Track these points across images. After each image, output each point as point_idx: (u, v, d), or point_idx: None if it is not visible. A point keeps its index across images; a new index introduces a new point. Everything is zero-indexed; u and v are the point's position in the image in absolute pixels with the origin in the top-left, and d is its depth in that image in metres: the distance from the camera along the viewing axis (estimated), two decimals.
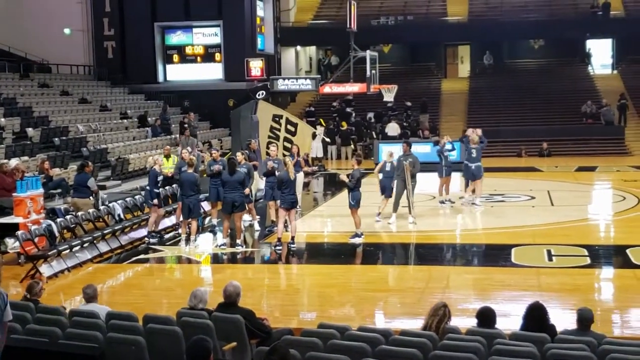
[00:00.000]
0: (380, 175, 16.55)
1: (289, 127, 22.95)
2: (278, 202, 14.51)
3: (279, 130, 22.92)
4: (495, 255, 13.96)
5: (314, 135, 25.05)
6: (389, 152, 16.86)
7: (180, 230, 15.34)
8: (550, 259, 12.82)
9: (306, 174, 20.41)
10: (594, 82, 36.80)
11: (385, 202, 16.54)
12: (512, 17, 37.50)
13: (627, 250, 13.16)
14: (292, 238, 14.11)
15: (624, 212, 17.58)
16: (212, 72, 33.20)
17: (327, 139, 30.48)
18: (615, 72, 38.27)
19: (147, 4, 32.58)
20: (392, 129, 31.48)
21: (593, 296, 11.08)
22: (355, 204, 14.64)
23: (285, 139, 22.77)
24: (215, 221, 16.17)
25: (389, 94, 23.40)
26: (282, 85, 20.90)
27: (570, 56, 39.32)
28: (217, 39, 33.23)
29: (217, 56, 33.26)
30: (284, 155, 16.47)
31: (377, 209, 16.58)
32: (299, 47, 40.31)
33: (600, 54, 39.92)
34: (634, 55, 38.03)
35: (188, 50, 33.54)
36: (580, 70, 38.67)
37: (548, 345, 6.62)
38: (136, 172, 21.97)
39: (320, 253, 14.80)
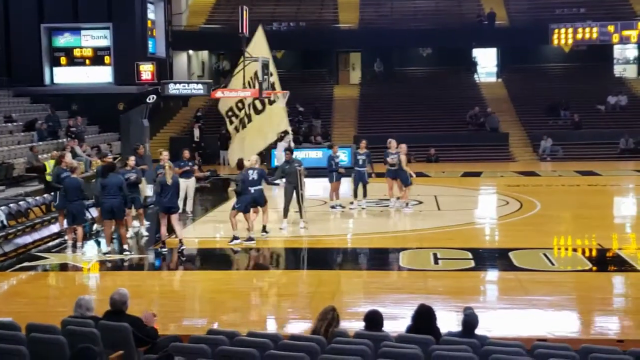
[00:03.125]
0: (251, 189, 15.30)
1: (256, 102, 21.56)
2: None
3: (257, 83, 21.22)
4: (383, 259, 14.21)
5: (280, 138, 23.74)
6: (254, 159, 16.02)
7: (66, 237, 14.86)
8: (436, 262, 13.13)
9: (198, 180, 20.16)
10: (480, 89, 38.07)
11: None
12: (402, 26, 38.36)
13: (510, 253, 13.63)
14: (180, 241, 13.94)
15: (507, 217, 18.24)
16: (101, 75, 32.41)
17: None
18: (499, 80, 39.72)
19: (33, 5, 31.54)
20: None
21: (478, 298, 11.40)
22: (239, 207, 14.57)
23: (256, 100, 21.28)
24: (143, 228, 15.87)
25: (282, 100, 23.48)
26: (173, 89, 20.57)
27: (458, 64, 40.52)
28: (107, 42, 32.47)
29: (107, 59, 32.50)
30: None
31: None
32: (191, 52, 39.88)
33: (486, 62, 41.37)
34: (517, 64, 39.62)
35: (76, 52, 32.64)
36: (467, 78, 39.92)
37: (433, 347, 6.77)
38: (21, 178, 21.13)
39: (211, 259, 14.64)
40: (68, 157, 15.91)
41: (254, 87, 21.41)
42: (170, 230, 14.52)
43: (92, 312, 7.56)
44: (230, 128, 22.47)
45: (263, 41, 22.22)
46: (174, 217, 14.16)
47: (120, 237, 14.36)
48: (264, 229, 15.61)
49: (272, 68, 21.38)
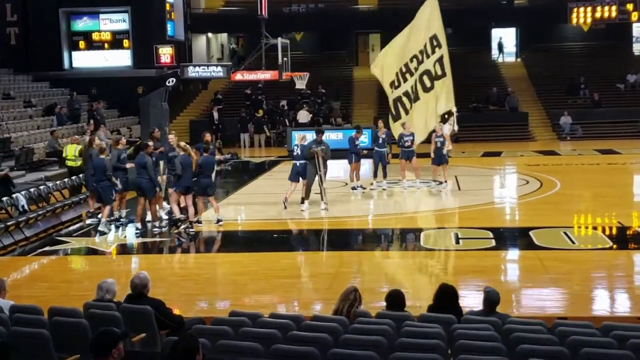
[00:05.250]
0: (297, 162, 16.45)
1: (436, 65, 21.45)
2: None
3: (425, 56, 21.46)
4: (404, 239, 14.25)
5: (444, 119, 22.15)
6: (302, 136, 17.08)
7: (99, 216, 15.03)
8: (457, 242, 13.15)
9: (218, 162, 20.24)
10: (500, 69, 37.80)
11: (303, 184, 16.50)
12: (421, 6, 37.97)
13: (530, 232, 13.61)
14: (191, 222, 14.53)
15: (528, 196, 18.17)
16: (120, 59, 32.52)
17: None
18: (519, 59, 39.41)
19: None
20: (302, 116, 31.63)
21: (498, 277, 11.41)
22: (198, 192, 14.74)
23: (424, 76, 21.25)
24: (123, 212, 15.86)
25: (301, 82, 23.48)
26: (192, 72, 20.70)
27: (478, 45, 40.22)
28: (125, 25, 32.55)
29: (125, 43, 32.59)
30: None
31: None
32: (210, 34, 39.88)
33: (506, 42, 41.03)
34: (536, 43, 39.27)
35: (95, 36, 32.74)
36: (487, 58, 39.63)
37: (455, 325, 6.80)
38: (41, 162, 21.32)
39: (232, 241, 14.72)
40: (97, 140, 16.14)
41: (422, 60, 21.27)
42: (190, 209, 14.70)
43: (112, 295, 7.63)
44: (392, 95, 22.18)
45: (436, 8, 21.80)
46: (189, 198, 14.46)
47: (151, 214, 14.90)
48: (302, 201, 16.29)
49: (442, 42, 21.23)
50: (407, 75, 21.79)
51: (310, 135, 17.84)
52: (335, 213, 16.21)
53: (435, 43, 21.47)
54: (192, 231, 14.49)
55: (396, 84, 22.01)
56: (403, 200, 18.16)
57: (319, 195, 16.42)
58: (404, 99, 21.91)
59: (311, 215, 16.06)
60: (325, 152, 16.21)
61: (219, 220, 14.89)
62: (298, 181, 16.45)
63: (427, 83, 21.37)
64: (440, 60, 21.36)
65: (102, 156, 14.60)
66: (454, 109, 21.57)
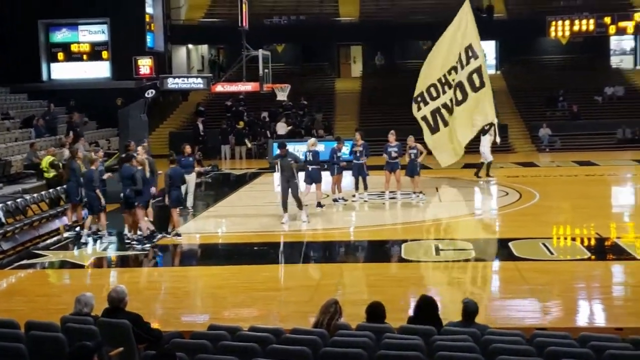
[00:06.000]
0: (309, 167, 17.11)
1: (474, 76, 20.81)
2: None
3: (459, 67, 20.87)
4: (385, 251, 14.26)
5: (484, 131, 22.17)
6: (312, 141, 17.80)
7: (91, 226, 15.05)
8: (437, 254, 13.18)
9: (199, 174, 20.19)
10: None
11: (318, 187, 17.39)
12: (402, 19, 38.30)
13: (510, 244, 13.67)
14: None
15: (507, 207, 18.26)
16: (99, 71, 32.42)
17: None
18: (498, 72, 39.69)
19: (29, 0, 31.44)
20: (281, 127, 31.62)
21: (478, 288, 11.44)
22: (172, 203, 14.78)
23: (457, 88, 20.64)
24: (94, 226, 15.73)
25: (282, 93, 23.49)
26: (172, 84, 20.63)
27: None
28: (104, 37, 32.48)
29: (105, 54, 32.51)
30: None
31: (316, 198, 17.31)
32: (190, 46, 39.85)
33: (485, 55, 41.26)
34: (515, 56, 39.60)
35: (74, 48, 32.65)
36: None
37: (434, 337, 6.81)
38: (19, 175, 21.12)
39: (211, 254, 14.66)
40: (66, 153, 16.03)
41: (457, 72, 20.78)
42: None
43: (90, 309, 7.57)
44: (425, 108, 21.80)
45: (471, 18, 21.36)
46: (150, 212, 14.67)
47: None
48: (318, 204, 17.16)
49: (479, 52, 20.79)
50: (446, 87, 21.40)
51: (292, 147, 17.90)
52: (317, 225, 16.19)
53: (470, 54, 20.92)
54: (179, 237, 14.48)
55: (434, 94, 21.58)
56: (384, 212, 18.18)
57: (299, 207, 16.29)
58: (443, 111, 21.48)
59: (291, 227, 16.01)
60: (297, 162, 16.19)
61: (173, 233, 14.87)
62: (311, 184, 17.25)
63: (459, 96, 20.93)
64: (477, 71, 20.79)
65: (92, 167, 14.59)
66: (495, 120, 21.34)
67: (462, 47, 21.06)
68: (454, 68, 21.13)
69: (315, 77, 39.95)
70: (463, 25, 21.49)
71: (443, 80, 21.45)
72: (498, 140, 21.81)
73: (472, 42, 21.11)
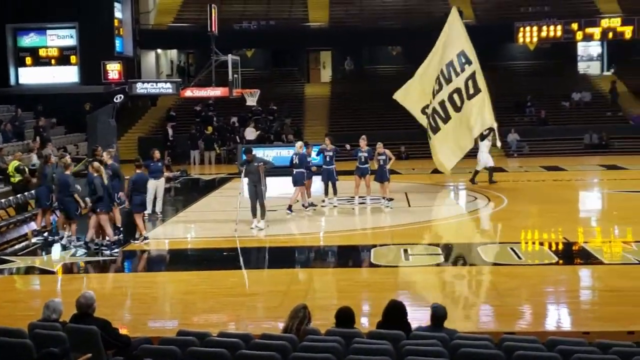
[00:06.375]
0: (294, 170, 17.57)
1: (469, 83, 20.71)
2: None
3: (453, 74, 20.75)
4: (355, 256, 14.28)
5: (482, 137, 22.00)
6: (300, 144, 18.01)
7: (63, 232, 14.95)
8: (407, 259, 13.23)
9: (167, 180, 20.08)
10: None
11: (300, 191, 17.70)
12: (371, 24, 38.49)
13: (478, 248, 13.79)
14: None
15: (476, 212, 18.41)
16: (67, 75, 32.14)
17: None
18: None
19: None
20: (249, 133, 31.59)
21: (447, 293, 11.50)
22: (135, 208, 14.79)
23: (455, 94, 20.53)
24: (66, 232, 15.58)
25: (252, 98, 23.48)
26: (141, 88, 20.55)
27: None
28: (73, 41, 32.22)
29: (73, 59, 32.25)
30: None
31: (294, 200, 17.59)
32: (159, 50, 39.67)
33: None
34: (484, 62, 39.70)
35: (42, 52, 32.36)
36: None
37: (403, 342, 6.83)
38: None
39: (181, 260, 14.58)
40: (34, 158, 15.88)
41: (450, 79, 20.62)
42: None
43: (58, 315, 7.50)
44: (425, 122, 21.85)
45: (460, 26, 21.18)
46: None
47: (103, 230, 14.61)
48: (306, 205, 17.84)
49: (472, 58, 20.57)
50: (436, 94, 21.50)
51: (262, 152, 17.87)
52: (286, 230, 16.18)
53: (464, 60, 20.91)
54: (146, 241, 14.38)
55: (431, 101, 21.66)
56: (354, 217, 18.21)
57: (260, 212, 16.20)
58: (436, 116, 21.53)
59: (261, 232, 15.98)
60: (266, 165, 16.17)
61: (141, 239, 14.81)
62: (303, 185, 17.69)
63: (458, 102, 20.86)
64: (472, 77, 20.78)
65: (67, 172, 14.46)
66: (495, 125, 21.22)
67: (453, 55, 21.00)
68: (439, 77, 21.18)
69: (284, 82, 39.97)
70: (454, 33, 21.44)
71: (437, 88, 21.55)
72: (499, 144, 21.68)
73: (464, 48, 21.13)
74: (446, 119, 21.25)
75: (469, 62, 20.88)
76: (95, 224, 14.30)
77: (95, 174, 14.29)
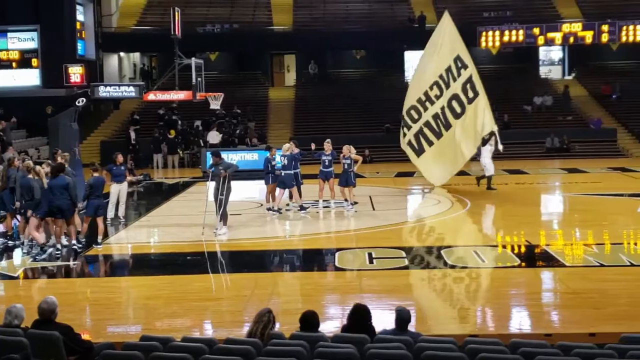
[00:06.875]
0: (282, 172, 17.79)
1: (467, 87, 20.39)
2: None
3: (451, 79, 20.41)
4: (319, 259, 14.29)
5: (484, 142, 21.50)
6: (287, 146, 18.11)
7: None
8: (371, 262, 13.26)
9: (130, 184, 19.89)
10: None
11: (293, 191, 18.09)
12: (335, 28, 38.61)
13: (442, 251, 13.89)
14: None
15: (439, 215, 18.53)
16: (28, 78, 31.69)
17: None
18: None
19: None
20: (213, 136, 31.47)
21: (411, 296, 11.56)
22: (89, 212, 14.71)
23: (453, 101, 20.27)
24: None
25: (216, 102, 23.36)
26: (103, 92, 20.32)
27: (390, 67, 40.94)
28: (34, 44, 31.79)
29: (34, 62, 31.82)
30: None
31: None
32: (122, 54, 39.33)
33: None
34: None
35: (2, 55, 31.89)
36: (399, 80, 40.38)
37: (368, 345, 6.85)
38: None
39: (144, 264, 14.45)
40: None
41: (448, 84, 20.32)
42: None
43: (20, 321, 7.40)
44: (409, 133, 21.58)
45: (453, 29, 20.82)
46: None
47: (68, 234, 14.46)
48: (301, 207, 18.17)
49: (468, 62, 20.34)
50: (428, 104, 21.14)
51: (226, 156, 17.79)
52: (251, 234, 16.13)
53: (460, 64, 20.67)
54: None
55: (415, 116, 21.37)
56: (318, 220, 18.22)
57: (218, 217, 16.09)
58: (426, 130, 21.23)
59: (226, 236, 15.91)
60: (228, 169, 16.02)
61: (98, 243, 14.67)
62: (284, 189, 18.04)
63: (457, 108, 20.64)
64: (469, 81, 20.55)
65: (29, 176, 14.24)
66: (495, 128, 21.00)
67: (450, 60, 20.83)
68: (436, 83, 20.97)
69: (248, 86, 39.91)
70: (447, 37, 21.24)
71: (424, 99, 21.32)
72: (501, 148, 21.43)
73: (459, 52, 20.95)
74: (447, 126, 21.08)
75: (464, 67, 20.79)
76: (35, 227, 14.14)
77: (35, 177, 14.17)
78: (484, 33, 36.70)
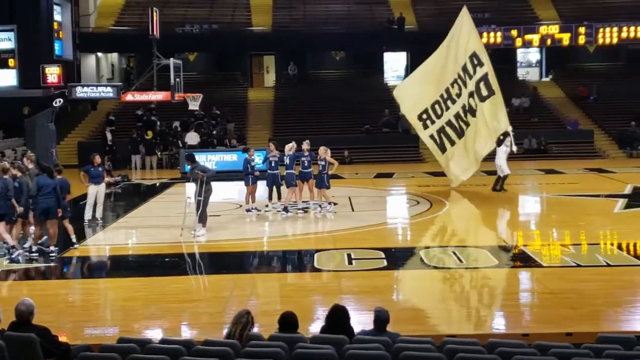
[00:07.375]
0: (284, 172, 17.98)
1: (481, 85, 20.00)
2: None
3: (467, 78, 20.04)
4: (298, 260, 14.30)
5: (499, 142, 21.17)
6: (290, 146, 18.20)
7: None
8: (350, 263, 13.28)
9: (108, 185, 19.77)
10: (391, 92, 38.60)
11: (292, 191, 18.20)
12: (315, 29, 38.64)
13: (421, 252, 13.94)
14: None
15: (418, 216, 18.57)
16: (5, 79, 31.27)
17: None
18: None
19: None
20: (191, 138, 31.36)
21: (390, 297, 11.59)
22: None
23: (470, 98, 19.84)
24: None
25: (194, 103, 23.33)
26: (81, 92, 20.26)
27: (370, 68, 41.03)
28: (11, 44, 31.33)
29: (11, 62, 31.36)
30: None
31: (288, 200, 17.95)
32: (100, 54, 39.10)
33: (397, 66, 42.04)
34: None
35: None
36: (379, 81, 40.50)
37: (346, 346, 6.85)
38: None
39: (122, 266, 14.36)
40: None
41: (466, 83, 19.92)
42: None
43: None
44: (424, 134, 21.23)
45: (470, 25, 20.46)
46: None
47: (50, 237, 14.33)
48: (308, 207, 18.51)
49: (484, 59, 19.97)
50: (449, 103, 20.86)
51: (205, 157, 17.74)
52: (230, 235, 16.10)
53: (475, 61, 20.36)
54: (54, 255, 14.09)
55: (439, 112, 21.06)
56: (297, 222, 18.22)
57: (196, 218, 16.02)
58: (448, 129, 20.97)
59: (205, 238, 15.85)
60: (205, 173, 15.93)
61: (74, 243, 14.59)
62: (296, 186, 18.25)
63: (473, 105, 20.39)
64: (484, 78, 20.23)
65: (5, 177, 14.11)
66: (510, 129, 20.69)
67: (466, 57, 20.57)
68: (457, 81, 20.73)
69: (227, 87, 39.83)
70: (464, 33, 20.95)
71: (445, 96, 21.05)
72: (515, 149, 21.18)
73: (475, 49, 20.66)
74: (466, 124, 20.87)
75: (480, 64, 20.44)
76: (4, 230, 14.03)
77: (19, 174, 14.09)
78: None
